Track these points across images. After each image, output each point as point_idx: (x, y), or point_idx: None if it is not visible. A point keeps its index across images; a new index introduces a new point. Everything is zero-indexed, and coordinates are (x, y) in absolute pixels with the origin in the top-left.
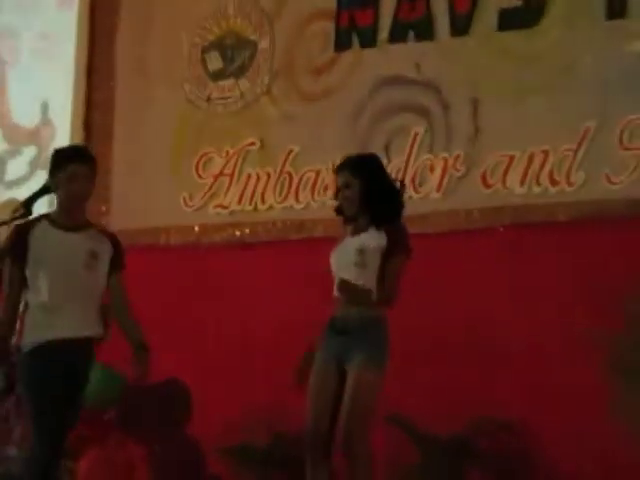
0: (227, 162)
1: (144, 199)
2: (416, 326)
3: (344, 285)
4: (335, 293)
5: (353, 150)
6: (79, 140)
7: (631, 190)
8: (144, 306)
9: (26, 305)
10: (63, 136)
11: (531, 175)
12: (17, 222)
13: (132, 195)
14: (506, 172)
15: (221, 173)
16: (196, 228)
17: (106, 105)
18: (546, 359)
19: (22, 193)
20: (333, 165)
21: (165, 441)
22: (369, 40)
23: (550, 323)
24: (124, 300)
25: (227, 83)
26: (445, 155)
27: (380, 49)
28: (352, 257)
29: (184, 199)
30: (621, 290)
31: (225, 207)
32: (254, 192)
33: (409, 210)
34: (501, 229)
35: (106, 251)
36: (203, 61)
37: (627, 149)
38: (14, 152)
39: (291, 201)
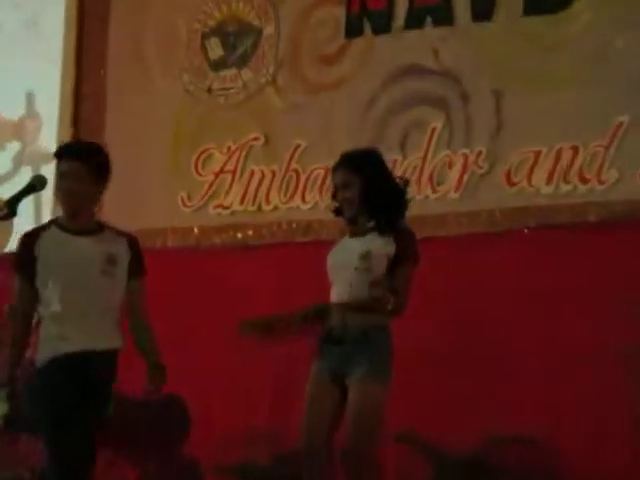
0: (229, 159)
1: (139, 199)
2: (429, 335)
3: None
4: (332, 300)
5: (364, 146)
6: (67, 135)
7: None
8: None
9: (40, 318)
10: (50, 130)
11: (559, 173)
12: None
13: (125, 195)
14: (532, 170)
15: (222, 170)
16: (195, 230)
17: (97, 96)
18: (570, 370)
19: (5, 191)
20: None
21: (160, 460)
22: (382, 26)
23: (578, 333)
24: (142, 313)
25: (229, 73)
26: (465, 151)
27: (394, 36)
28: (353, 261)
29: (182, 199)
30: None
31: (226, 207)
32: (258, 191)
33: (426, 211)
34: (526, 231)
35: (124, 254)
36: (203, 49)
37: None
38: None
39: (297, 201)
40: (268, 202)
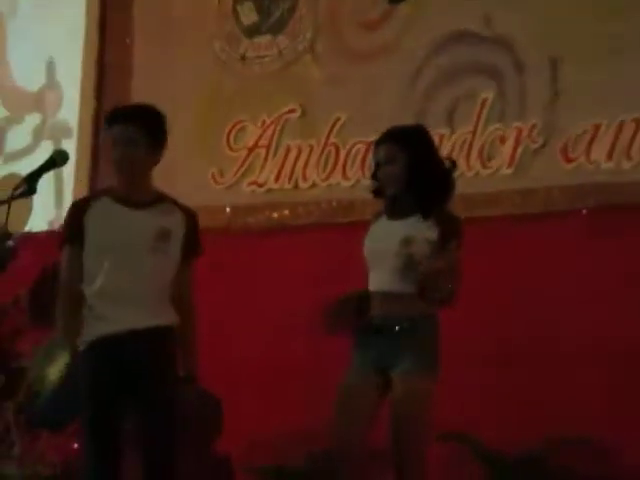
0: (263, 132)
1: (166, 176)
2: (479, 326)
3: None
4: (371, 288)
5: (410, 119)
6: (89, 107)
7: None
8: None
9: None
10: (71, 102)
11: (620, 148)
12: (25, 195)
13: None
14: (590, 144)
15: (256, 145)
16: (227, 209)
17: (121, 66)
18: (634, 365)
19: (24, 167)
20: None
21: (190, 460)
22: None
23: None
24: (187, 305)
25: (263, 40)
26: (518, 124)
27: (442, 0)
28: (394, 246)
29: (213, 175)
30: None
31: (261, 185)
32: (294, 167)
33: (475, 188)
34: (584, 211)
35: (179, 228)
36: (235, 14)
37: None
38: (15, 120)
39: (337, 178)
40: (305, 179)
